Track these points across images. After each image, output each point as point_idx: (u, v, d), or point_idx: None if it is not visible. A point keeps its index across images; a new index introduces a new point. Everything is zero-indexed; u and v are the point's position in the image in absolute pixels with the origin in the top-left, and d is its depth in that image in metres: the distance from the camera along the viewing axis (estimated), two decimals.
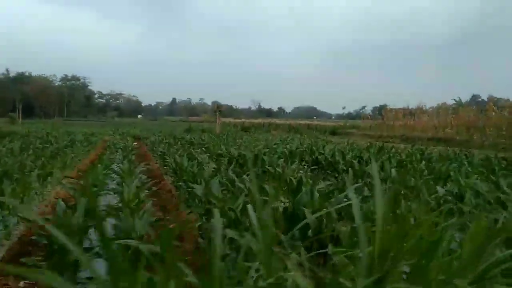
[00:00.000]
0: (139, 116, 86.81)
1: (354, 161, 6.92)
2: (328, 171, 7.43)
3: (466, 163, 8.25)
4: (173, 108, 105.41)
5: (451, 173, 6.60)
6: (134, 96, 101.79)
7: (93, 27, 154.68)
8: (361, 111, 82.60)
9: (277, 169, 5.87)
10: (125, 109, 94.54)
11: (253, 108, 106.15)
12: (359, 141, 19.18)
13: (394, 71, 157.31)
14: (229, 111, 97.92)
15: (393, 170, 5.95)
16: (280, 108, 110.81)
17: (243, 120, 40.96)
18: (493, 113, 19.41)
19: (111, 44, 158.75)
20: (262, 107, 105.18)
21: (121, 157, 9.31)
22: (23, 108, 59.34)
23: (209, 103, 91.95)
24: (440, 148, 12.58)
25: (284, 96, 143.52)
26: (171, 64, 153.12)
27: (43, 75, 76.28)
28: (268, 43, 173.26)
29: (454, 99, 37.64)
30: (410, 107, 26.61)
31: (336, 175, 7.23)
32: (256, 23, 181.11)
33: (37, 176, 5.75)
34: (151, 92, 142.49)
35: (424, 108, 25.57)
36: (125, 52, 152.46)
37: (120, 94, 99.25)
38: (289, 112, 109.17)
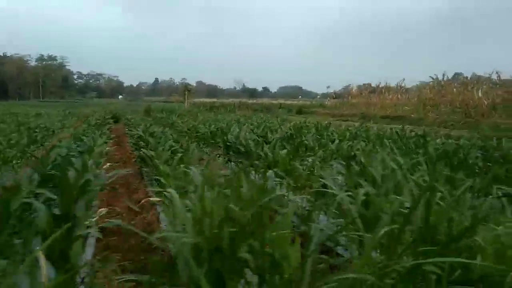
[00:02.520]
0: (120, 96, 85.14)
1: (251, 143, 6.41)
2: (230, 153, 6.95)
3: (387, 141, 7.85)
4: (156, 88, 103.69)
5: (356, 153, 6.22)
6: (115, 76, 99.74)
7: (72, 5, 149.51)
8: (345, 90, 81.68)
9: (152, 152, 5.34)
10: (106, 89, 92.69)
11: (237, 88, 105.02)
12: (319, 119, 18.74)
13: (383, 50, 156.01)
14: (213, 91, 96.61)
15: (283, 152, 5.47)
16: (264, 88, 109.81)
17: (213, 100, 40.23)
18: (454, 90, 18.99)
19: (92, 23, 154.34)
20: (246, 87, 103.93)
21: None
22: None
23: (193, 83, 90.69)
24: (385, 126, 12.20)
25: (270, 76, 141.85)
26: (154, 44, 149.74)
27: (17, 55, 73.77)
28: (253, 23, 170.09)
29: (431, 77, 36.32)
30: (373, 85, 26.13)
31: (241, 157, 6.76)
32: (241, 3, 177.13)
33: None
34: (133, 72, 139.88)
35: (388, 86, 25.02)
36: (107, 31, 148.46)
37: (101, 74, 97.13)
38: (275, 92, 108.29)
